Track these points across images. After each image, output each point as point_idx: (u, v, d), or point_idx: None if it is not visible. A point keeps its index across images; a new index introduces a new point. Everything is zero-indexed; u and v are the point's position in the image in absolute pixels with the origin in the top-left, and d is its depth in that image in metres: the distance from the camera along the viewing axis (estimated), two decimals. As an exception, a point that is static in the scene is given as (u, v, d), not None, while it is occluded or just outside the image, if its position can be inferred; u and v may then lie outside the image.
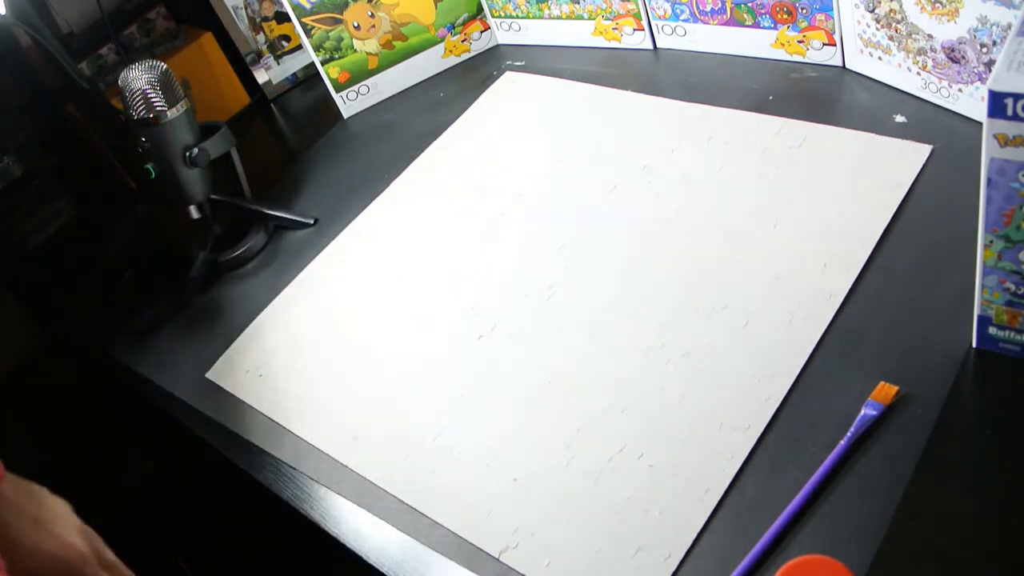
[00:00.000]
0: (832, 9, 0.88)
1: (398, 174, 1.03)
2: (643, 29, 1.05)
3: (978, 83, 0.78)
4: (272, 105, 1.27)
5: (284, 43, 1.26)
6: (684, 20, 1.01)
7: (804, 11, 0.91)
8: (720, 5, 0.97)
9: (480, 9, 1.16)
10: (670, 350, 0.72)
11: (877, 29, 0.85)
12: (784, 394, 0.66)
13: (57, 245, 1.09)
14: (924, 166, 0.78)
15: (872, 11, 0.84)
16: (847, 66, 0.92)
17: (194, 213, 1.00)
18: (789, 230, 0.78)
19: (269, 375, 0.85)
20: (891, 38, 0.84)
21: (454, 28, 1.16)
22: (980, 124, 0.51)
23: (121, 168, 1.14)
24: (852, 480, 0.59)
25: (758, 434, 0.64)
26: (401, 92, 1.18)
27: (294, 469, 0.76)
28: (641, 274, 0.79)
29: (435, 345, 0.81)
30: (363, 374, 0.81)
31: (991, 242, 0.56)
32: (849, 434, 0.61)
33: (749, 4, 0.94)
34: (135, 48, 1.18)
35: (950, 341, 0.65)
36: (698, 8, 0.99)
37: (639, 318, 0.76)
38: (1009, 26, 0.71)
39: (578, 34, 1.11)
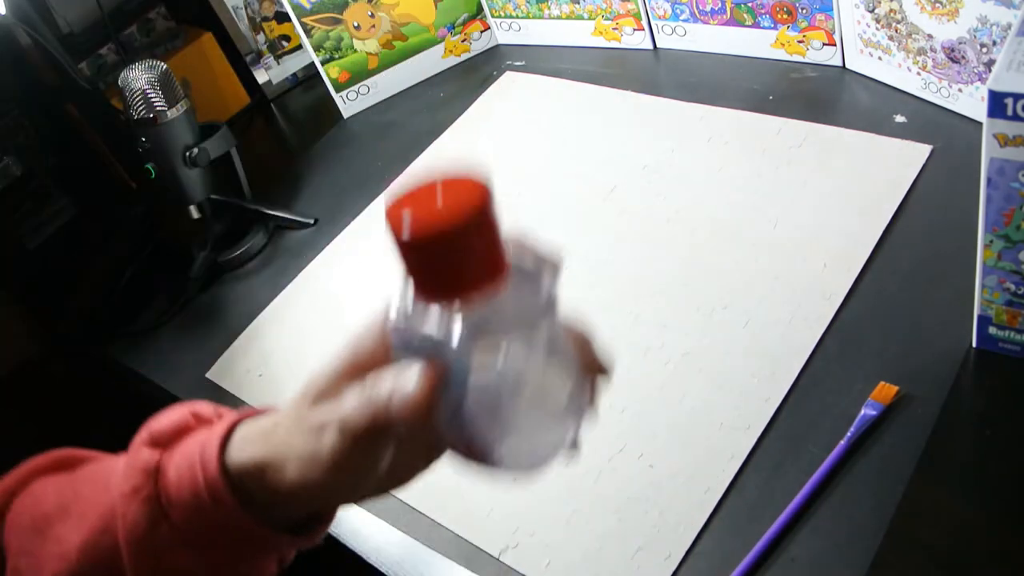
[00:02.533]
0: (832, 9, 0.88)
1: (398, 174, 1.03)
2: (643, 29, 1.05)
3: (978, 83, 0.78)
4: (272, 105, 1.27)
5: (284, 43, 1.26)
6: (684, 20, 1.01)
7: (804, 11, 0.91)
8: (720, 5, 0.97)
9: (480, 9, 1.16)
10: (670, 350, 0.72)
11: (877, 29, 0.85)
12: (784, 394, 0.66)
13: (57, 245, 1.09)
14: (924, 166, 0.78)
15: (872, 11, 0.84)
16: (847, 66, 0.92)
17: (194, 213, 1.00)
18: (789, 230, 0.78)
19: (269, 375, 0.85)
20: (891, 38, 0.84)
21: (454, 28, 1.16)
22: (980, 124, 0.51)
23: (121, 168, 1.14)
24: (852, 480, 0.59)
25: (758, 434, 0.64)
26: (401, 92, 1.18)
27: (294, 469, 0.75)
28: (641, 274, 0.79)
29: (435, 345, 0.81)
30: (363, 374, 0.81)
31: (991, 242, 0.56)
32: (849, 434, 0.61)
33: (749, 4, 0.94)
34: (135, 48, 1.18)
35: (950, 341, 0.65)
36: (698, 8, 0.99)
37: (639, 318, 0.76)
38: (1009, 26, 0.71)
39: (578, 34, 1.11)
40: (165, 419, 0.43)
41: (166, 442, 0.42)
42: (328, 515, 0.44)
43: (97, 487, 0.45)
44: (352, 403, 0.37)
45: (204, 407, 0.44)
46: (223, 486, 0.38)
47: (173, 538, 0.40)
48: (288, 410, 0.40)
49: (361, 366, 0.40)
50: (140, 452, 0.42)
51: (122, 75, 0.91)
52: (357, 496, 0.43)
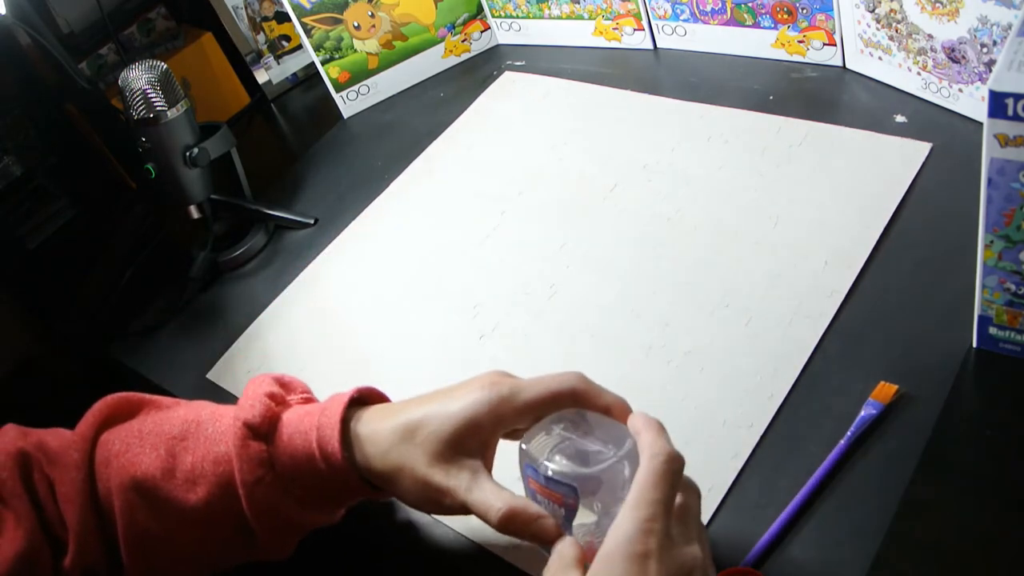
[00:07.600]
0: (832, 9, 0.88)
1: (398, 174, 1.03)
2: (643, 29, 1.05)
3: (978, 83, 0.79)
4: (272, 105, 1.27)
5: (284, 43, 1.26)
6: (684, 20, 1.01)
7: (804, 11, 0.91)
8: (720, 5, 0.97)
9: (480, 9, 1.16)
10: (672, 349, 0.72)
11: (877, 29, 0.85)
12: (787, 392, 0.66)
13: (57, 245, 1.09)
14: (924, 165, 0.79)
15: (872, 11, 0.84)
16: (847, 66, 0.92)
17: (194, 213, 1.00)
18: (790, 229, 0.78)
19: (269, 375, 0.85)
20: (891, 38, 0.84)
21: (454, 28, 1.16)
22: (980, 124, 0.51)
23: (121, 168, 1.14)
24: (852, 480, 0.59)
25: (761, 432, 0.64)
26: (401, 92, 1.18)
27: (295, 469, 0.75)
28: (642, 273, 0.80)
29: (436, 345, 0.81)
30: (363, 374, 0.81)
31: (991, 242, 0.56)
32: (849, 434, 0.61)
33: (749, 4, 0.94)
34: (135, 48, 1.18)
35: (950, 341, 0.65)
36: (698, 8, 0.99)
37: (640, 317, 0.76)
38: (1009, 26, 0.72)
39: (578, 34, 1.11)
40: (256, 412, 0.58)
41: (265, 434, 0.57)
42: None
43: (202, 456, 0.58)
44: (488, 511, 0.52)
45: (273, 387, 0.61)
46: (345, 467, 0.55)
47: (298, 505, 0.57)
48: (400, 431, 0.56)
49: (476, 428, 0.54)
50: (248, 446, 0.56)
51: (122, 75, 0.91)
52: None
